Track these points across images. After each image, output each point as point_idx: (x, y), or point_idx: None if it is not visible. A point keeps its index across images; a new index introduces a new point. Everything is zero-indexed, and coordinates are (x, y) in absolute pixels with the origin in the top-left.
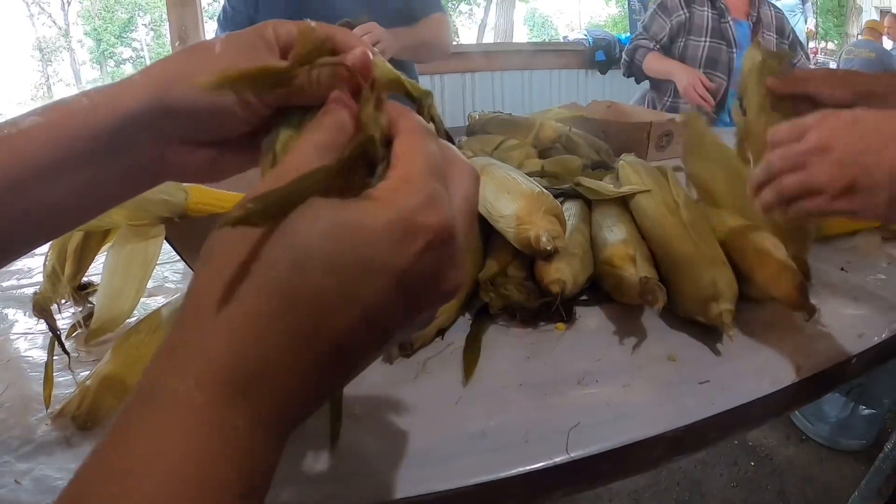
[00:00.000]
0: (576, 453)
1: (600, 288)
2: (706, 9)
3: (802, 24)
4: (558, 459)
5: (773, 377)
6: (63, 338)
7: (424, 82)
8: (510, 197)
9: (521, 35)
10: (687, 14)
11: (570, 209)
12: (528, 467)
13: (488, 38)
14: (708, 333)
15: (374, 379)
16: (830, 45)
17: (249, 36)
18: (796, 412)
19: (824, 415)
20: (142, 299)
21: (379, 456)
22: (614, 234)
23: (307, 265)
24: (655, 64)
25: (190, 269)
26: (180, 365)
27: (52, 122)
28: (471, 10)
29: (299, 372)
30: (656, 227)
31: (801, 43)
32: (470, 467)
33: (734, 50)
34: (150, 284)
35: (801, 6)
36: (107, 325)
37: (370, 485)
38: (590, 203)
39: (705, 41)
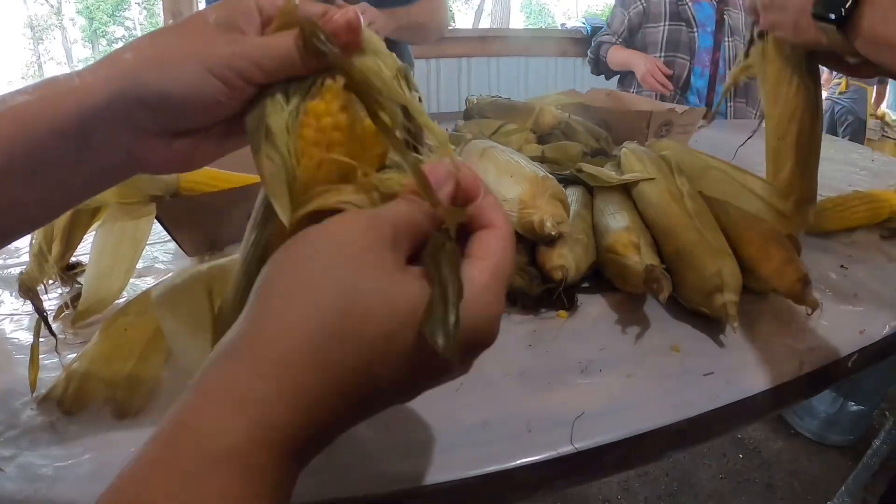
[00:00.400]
0: (581, 444)
1: (602, 276)
2: None
3: None
4: (564, 451)
5: (776, 371)
6: (50, 319)
7: (420, 66)
8: (513, 180)
9: (518, 22)
10: (645, 3)
11: (572, 195)
12: (532, 458)
13: (485, 23)
14: (711, 324)
15: None
16: None
17: (228, 11)
18: None
19: (813, 410)
20: (131, 280)
21: (377, 446)
22: (617, 220)
23: (378, 347)
24: (616, 56)
25: (181, 250)
26: (240, 423)
27: (9, 120)
28: None
29: (340, 429)
30: (660, 215)
31: None
32: (472, 458)
33: (695, 30)
34: (139, 264)
35: None
36: (95, 307)
37: (368, 475)
38: (591, 190)
39: (664, 25)
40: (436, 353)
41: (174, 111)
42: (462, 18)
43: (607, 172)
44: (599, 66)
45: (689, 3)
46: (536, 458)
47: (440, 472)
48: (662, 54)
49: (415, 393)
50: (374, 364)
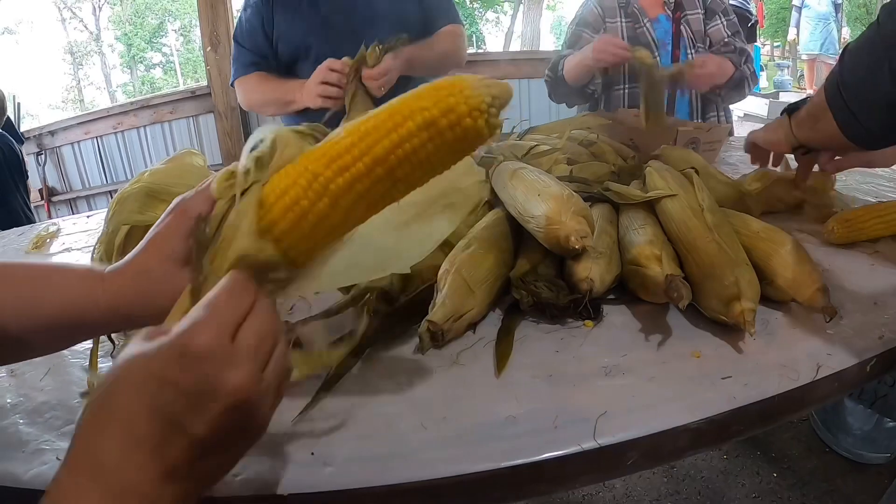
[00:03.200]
0: (603, 440)
1: (627, 288)
2: (618, 19)
3: (836, 34)
4: (586, 446)
5: (793, 375)
6: None
7: None
8: (540, 198)
9: (548, 43)
10: (604, 28)
11: (599, 213)
12: (557, 452)
13: (515, 46)
14: (731, 332)
15: (406, 368)
16: None
17: (175, 225)
18: (818, 422)
19: (848, 427)
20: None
21: (414, 438)
22: (640, 235)
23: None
24: (570, 62)
25: None
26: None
27: (22, 307)
28: (497, 18)
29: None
30: (682, 229)
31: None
32: (501, 451)
33: (656, 54)
34: None
35: (834, 15)
36: None
37: (405, 466)
38: (617, 208)
39: None
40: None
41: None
42: (492, 41)
43: (632, 190)
44: (558, 87)
45: (647, 24)
46: (561, 452)
47: (473, 462)
48: (627, 86)
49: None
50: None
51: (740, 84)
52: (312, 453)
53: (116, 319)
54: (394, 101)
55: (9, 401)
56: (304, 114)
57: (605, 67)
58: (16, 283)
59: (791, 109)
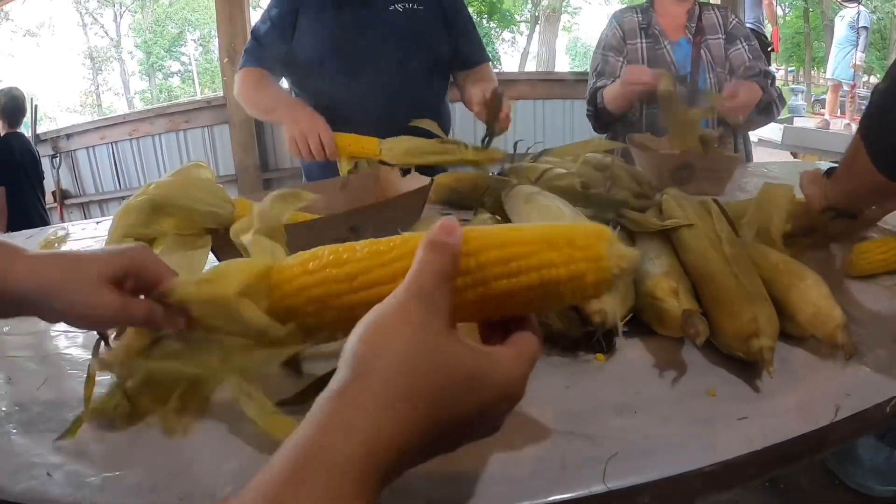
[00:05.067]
0: (613, 484)
1: (641, 320)
2: (638, 40)
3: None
4: (595, 489)
5: (812, 416)
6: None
7: (467, 111)
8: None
9: (563, 64)
10: (625, 51)
11: None
12: (564, 495)
13: (530, 66)
14: (748, 370)
15: None
16: (873, 79)
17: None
18: (829, 455)
19: (859, 459)
20: None
21: (415, 476)
22: (656, 266)
23: (445, 397)
24: (610, 93)
25: None
26: (349, 446)
27: None
28: (513, 38)
29: (420, 456)
30: (699, 260)
31: (763, 47)
32: (504, 493)
33: (675, 75)
34: None
35: (854, 40)
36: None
37: (403, 502)
38: (632, 235)
39: None
40: (487, 408)
41: (71, 316)
42: (508, 61)
43: (648, 218)
44: (601, 116)
45: (667, 46)
46: (568, 495)
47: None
48: (646, 108)
49: (471, 436)
50: (446, 411)
51: (768, 108)
52: None
53: (30, 296)
54: (522, 231)
55: (3, 409)
56: None
57: (639, 96)
58: None
59: (829, 171)
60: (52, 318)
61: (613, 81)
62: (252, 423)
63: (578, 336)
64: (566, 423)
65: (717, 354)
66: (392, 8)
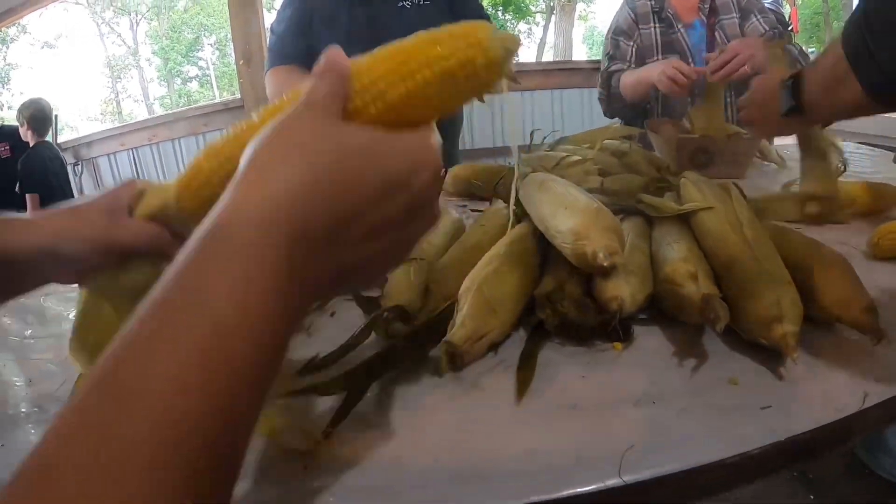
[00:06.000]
0: (629, 477)
1: (660, 307)
2: (652, 25)
3: None
4: (611, 483)
5: (838, 404)
6: None
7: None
8: (567, 212)
9: (580, 53)
10: (638, 40)
11: (630, 227)
12: (578, 490)
13: (547, 56)
14: (771, 356)
15: (423, 392)
16: None
17: (109, 201)
18: (859, 443)
19: (889, 448)
20: None
21: (427, 472)
22: (675, 251)
23: (347, 165)
24: (629, 78)
25: None
26: (246, 212)
27: None
28: (529, 29)
29: (331, 244)
30: (718, 245)
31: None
32: (517, 487)
33: (691, 60)
34: None
35: None
36: None
37: (418, 500)
38: (650, 221)
39: (658, 60)
40: (399, 177)
41: (74, 264)
42: (524, 52)
43: (666, 202)
44: (613, 102)
45: (682, 30)
46: (582, 489)
47: (491, 498)
48: (660, 93)
49: (404, 221)
50: (354, 183)
51: (793, 65)
52: (315, 483)
53: (48, 238)
54: (405, 43)
55: (23, 410)
56: None
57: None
58: None
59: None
60: (65, 278)
61: (629, 67)
62: None
63: (595, 325)
64: (581, 415)
65: (738, 342)
66: (400, 5)
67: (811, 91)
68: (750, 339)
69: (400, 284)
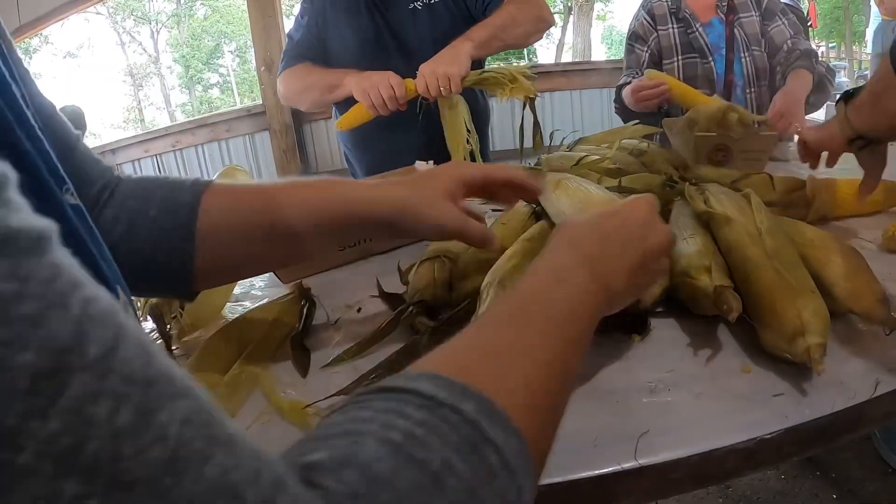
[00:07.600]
0: (644, 460)
1: (676, 300)
2: (670, 25)
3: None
4: (627, 465)
5: (850, 391)
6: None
7: (503, 103)
8: (584, 207)
9: (599, 53)
10: (656, 37)
11: None
12: (595, 471)
13: (566, 57)
14: None
15: None
16: None
17: (451, 178)
18: (881, 442)
19: None
20: (230, 304)
21: None
22: (690, 245)
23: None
24: (626, 93)
25: (276, 277)
26: (575, 268)
27: (315, 203)
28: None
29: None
30: (739, 258)
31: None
32: None
33: (710, 59)
34: (238, 290)
35: None
36: (197, 323)
37: None
38: (667, 217)
39: (677, 60)
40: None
41: (410, 233)
42: (544, 53)
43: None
44: (628, 117)
45: (700, 29)
46: (599, 471)
47: None
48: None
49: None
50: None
51: (822, 86)
52: None
53: (391, 216)
54: None
55: None
56: (345, 103)
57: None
58: (303, 188)
59: (847, 96)
60: (408, 234)
61: (639, 75)
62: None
63: (612, 317)
64: (599, 401)
65: (752, 332)
66: (412, 7)
67: (861, 103)
68: (773, 353)
69: (424, 280)
